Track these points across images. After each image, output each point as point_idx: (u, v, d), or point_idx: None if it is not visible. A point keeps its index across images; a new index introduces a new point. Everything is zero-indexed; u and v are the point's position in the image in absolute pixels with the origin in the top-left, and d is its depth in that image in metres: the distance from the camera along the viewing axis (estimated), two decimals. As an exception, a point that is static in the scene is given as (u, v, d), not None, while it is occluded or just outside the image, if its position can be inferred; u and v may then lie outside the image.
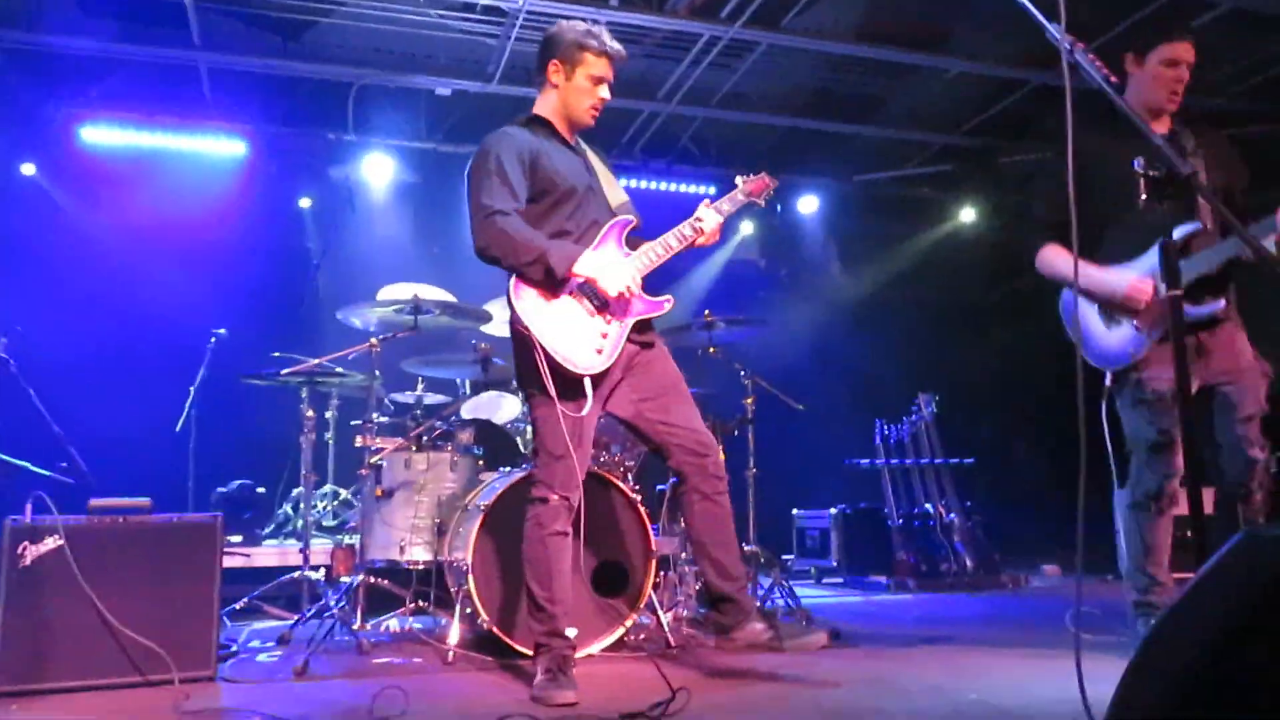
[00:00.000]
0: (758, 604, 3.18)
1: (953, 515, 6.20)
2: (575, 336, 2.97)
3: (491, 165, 3.02)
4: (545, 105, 3.22)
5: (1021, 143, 7.98)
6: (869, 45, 6.53)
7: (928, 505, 6.26)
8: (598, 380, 3.00)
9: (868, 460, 6.50)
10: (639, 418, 3.15)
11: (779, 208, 8.42)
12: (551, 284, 2.96)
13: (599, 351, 2.99)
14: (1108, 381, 3.26)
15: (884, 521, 6.28)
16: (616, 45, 3.15)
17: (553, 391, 2.90)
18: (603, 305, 3.02)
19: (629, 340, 3.07)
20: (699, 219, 3.17)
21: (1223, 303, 3.09)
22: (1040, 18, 2.30)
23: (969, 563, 6.03)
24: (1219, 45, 6.36)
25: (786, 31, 6.37)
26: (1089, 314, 3.29)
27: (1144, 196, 2.06)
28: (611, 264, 3.01)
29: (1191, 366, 3.13)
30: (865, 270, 8.71)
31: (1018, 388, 8.40)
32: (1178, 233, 3.08)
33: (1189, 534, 4.21)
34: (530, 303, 2.96)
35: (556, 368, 2.92)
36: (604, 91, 3.16)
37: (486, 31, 6.38)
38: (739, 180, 3.38)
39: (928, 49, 6.58)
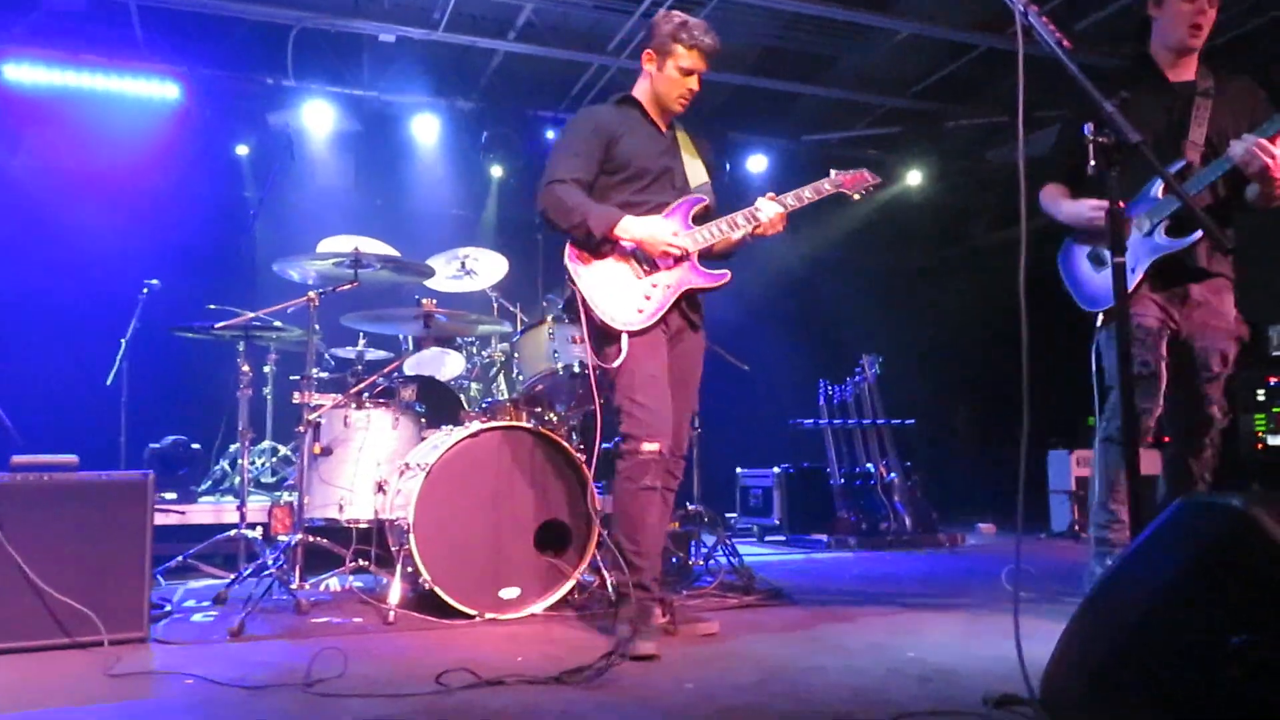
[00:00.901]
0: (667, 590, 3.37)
1: (893, 475, 6.30)
2: (619, 294, 3.16)
3: (568, 138, 3.30)
4: (639, 88, 3.38)
5: (969, 106, 8.02)
6: (820, 4, 6.48)
7: (869, 465, 6.35)
8: (642, 335, 3.13)
9: (811, 420, 6.56)
10: None
11: (728, 166, 8.38)
12: (593, 245, 3.16)
13: (639, 311, 3.15)
14: (1099, 323, 3.28)
15: (826, 481, 6.36)
16: (709, 40, 3.25)
17: (589, 343, 3.17)
18: (653, 267, 3.20)
19: (680, 312, 3.26)
20: (756, 209, 3.28)
21: (1199, 233, 3.06)
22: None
23: (908, 521, 6.14)
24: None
25: (739, -14, 6.29)
26: (1080, 260, 3.36)
27: (1092, 162, 2.07)
28: (658, 227, 3.17)
29: (1177, 313, 3.20)
30: (812, 231, 8.72)
31: (960, 350, 8.53)
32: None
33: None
34: (580, 260, 3.19)
35: (597, 322, 3.13)
36: (693, 83, 3.29)
37: (432, -23, 6.20)
38: (832, 171, 3.44)
39: (878, 9, 6.54)
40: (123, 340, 5.37)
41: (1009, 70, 2.27)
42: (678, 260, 3.20)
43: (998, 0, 2.31)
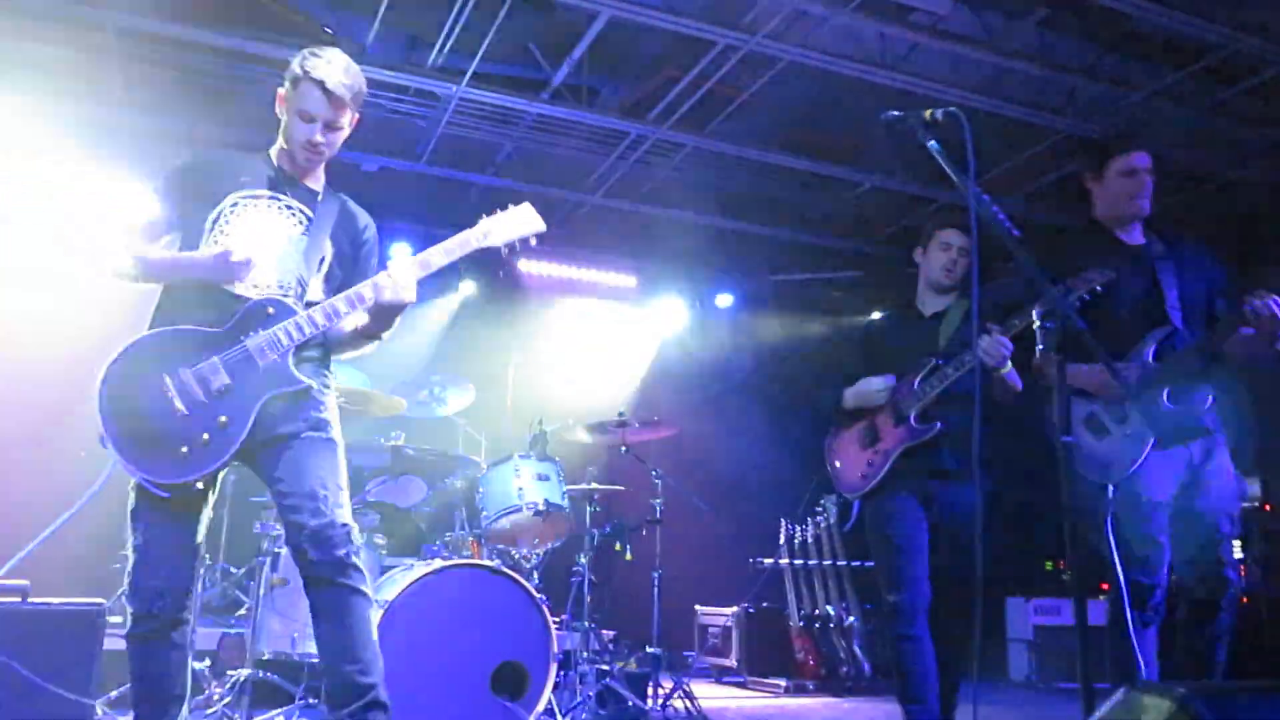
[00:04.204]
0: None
1: (853, 618, 6.27)
2: (849, 465, 3.56)
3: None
4: None
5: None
6: (788, 155, 6.81)
7: (829, 607, 6.32)
8: (874, 499, 3.45)
9: (772, 560, 6.55)
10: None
11: (699, 303, 8.62)
12: (840, 424, 3.63)
13: (863, 477, 3.47)
14: (1110, 493, 3.05)
15: (785, 622, 6.31)
16: (958, 216, 3.47)
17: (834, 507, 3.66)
18: (875, 439, 3.46)
19: (923, 469, 3.37)
20: (978, 347, 3.14)
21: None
22: (951, 172, 2.45)
23: (866, 666, 6.09)
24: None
25: (711, 136, 6.59)
26: (1079, 429, 3.14)
27: (1040, 346, 2.20)
28: (867, 384, 3.49)
29: (1182, 477, 3.03)
30: (778, 369, 8.90)
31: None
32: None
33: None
34: (828, 441, 3.67)
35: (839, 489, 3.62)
36: (953, 255, 3.51)
37: (417, 114, 6.46)
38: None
39: (844, 161, 6.87)
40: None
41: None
42: (897, 424, 3.40)
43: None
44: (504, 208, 2.86)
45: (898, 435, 3.39)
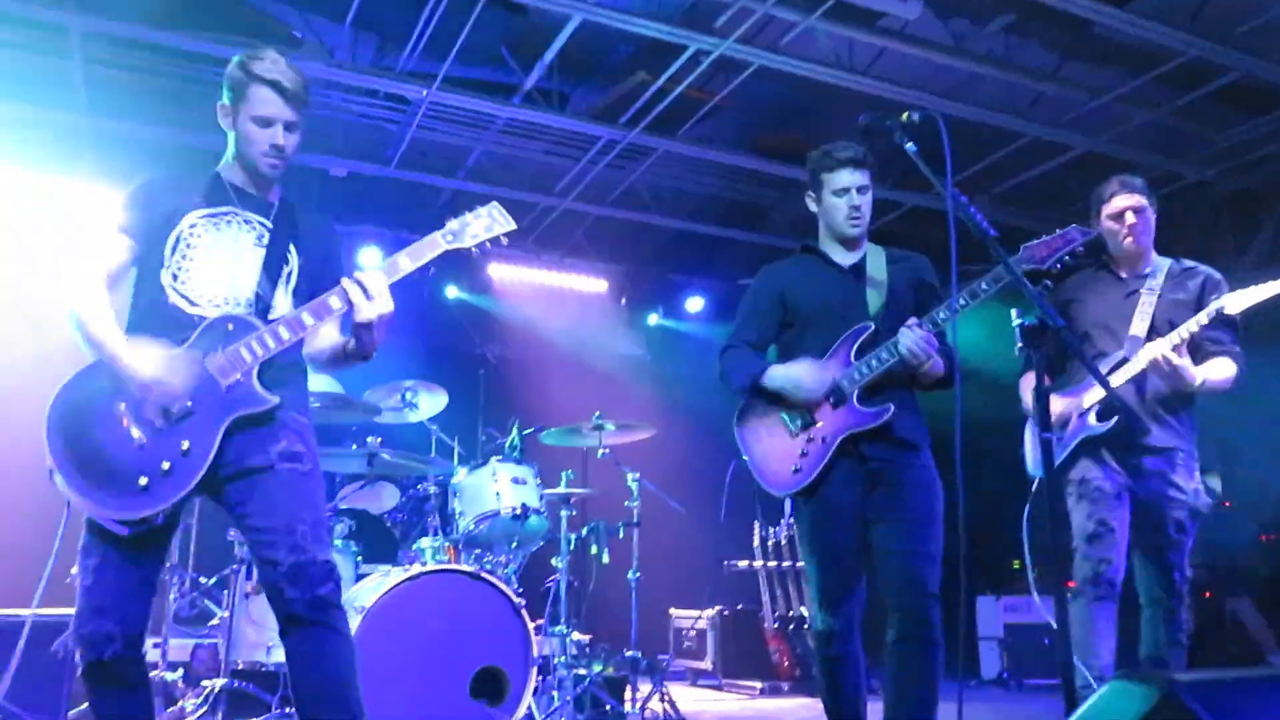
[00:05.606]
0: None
1: (826, 618, 6.29)
2: (774, 456, 2.95)
3: (743, 301, 3.18)
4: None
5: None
6: (756, 157, 6.85)
7: (803, 608, 6.34)
8: (811, 497, 2.89)
9: (746, 562, 6.57)
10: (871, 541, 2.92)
11: (671, 307, 8.65)
12: (751, 406, 3.01)
13: (795, 471, 2.89)
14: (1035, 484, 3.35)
15: (760, 623, 6.33)
16: (850, 153, 2.98)
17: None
18: (808, 424, 2.92)
19: (861, 457, 2.88)
20: (895, 340, 2.82)
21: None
22: (928, 173, 2.48)
23: (841, 666, 6.11)
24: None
25: (682, 140, 6.62)
26: (1029, 430, 3.44)
27: (1019, 344, 2.24)
28: (803, 374, 2.90)
29: (1133, 481, 3.25)
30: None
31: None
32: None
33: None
34: (742, 424, 3.03)
35: (763, 487, 3.00)
36: (854, 198, 2.99)
37: (387, 118, 6.42)
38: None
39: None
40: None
41: (932, 224, 2.45)
42: (835, 406, 2.88)
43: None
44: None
45: (839, 420, 2.86)
